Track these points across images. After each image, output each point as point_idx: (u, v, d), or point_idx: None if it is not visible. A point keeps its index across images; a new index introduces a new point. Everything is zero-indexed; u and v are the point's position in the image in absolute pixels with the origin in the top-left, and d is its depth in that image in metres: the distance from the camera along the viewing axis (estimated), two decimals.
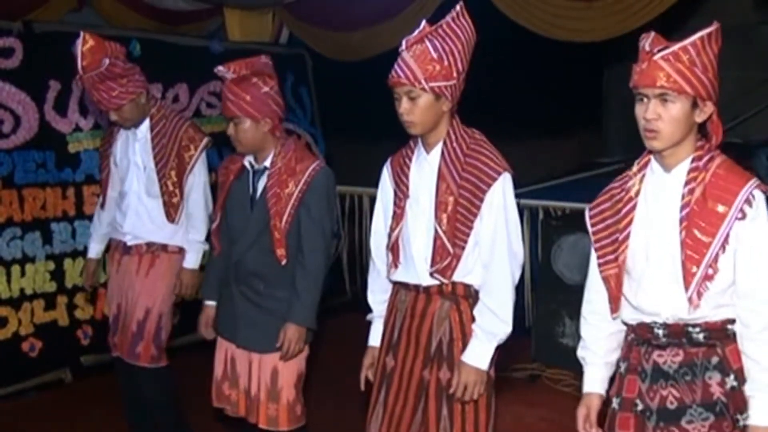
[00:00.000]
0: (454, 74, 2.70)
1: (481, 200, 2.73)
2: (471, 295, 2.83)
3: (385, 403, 2.91)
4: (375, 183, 3.06)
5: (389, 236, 2.92)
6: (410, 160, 2.89)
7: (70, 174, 5.17)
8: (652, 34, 2.32)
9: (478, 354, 2.77)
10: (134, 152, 3.91)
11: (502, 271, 2.76)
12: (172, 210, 3.88)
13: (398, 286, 2.95)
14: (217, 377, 3.44)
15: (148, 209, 3.90)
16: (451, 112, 2.79)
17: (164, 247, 3.94)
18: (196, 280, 3.96)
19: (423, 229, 2.82)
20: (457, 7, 2.72)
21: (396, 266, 2.90)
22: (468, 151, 2.77)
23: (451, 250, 2.76)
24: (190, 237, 3.92)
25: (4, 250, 4.84)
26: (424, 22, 2.74)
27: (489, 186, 2.72)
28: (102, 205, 4.08)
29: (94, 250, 4.18)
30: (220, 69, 3.24)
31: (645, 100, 2.29)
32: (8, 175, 4.86)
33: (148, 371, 3.93)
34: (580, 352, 2.60)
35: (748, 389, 2.30)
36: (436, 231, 2.77)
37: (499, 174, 2.73)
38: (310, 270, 3.24)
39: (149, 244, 3.94)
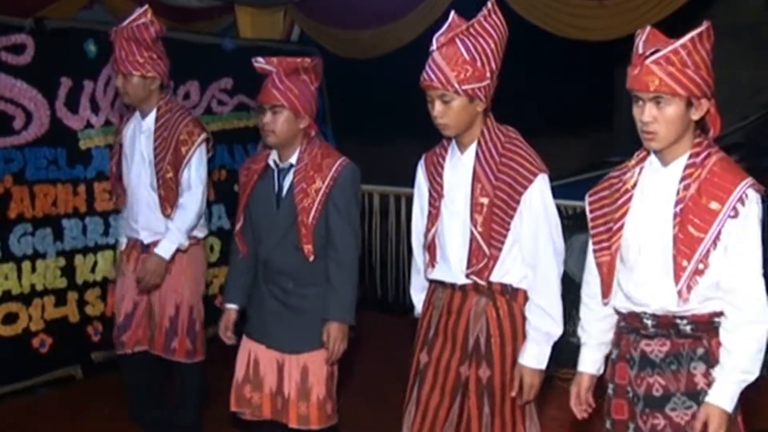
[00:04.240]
0: (488, 74, 2.67)
1: (518, 201, 2.72)
2: (508, 292, 2.84)
3: (418, 399, 2.93)
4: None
5: (425, 236, 2.92)
6: (444, 159, 2.88)
7: (81, 171, 5.17)
8: (647, 30, 2.35)
9: (536, 355, 2.82)
10: (140, 144, 3.92)
11: (549, 271, 2.81)
12: (167, 204, 3.84)
13: (435, 284, 2.95)
14: (238, 380, 3.38)
15: (156, 202, 3.89)
16: (485, 111, 2.76)
17: None
18: (162, 269, 3.87)
19: (458, 230, 2.81)
20: (489, 5, 2.68)
21: (433, 266, 2.91)
22: (503, 151, 2.75)
23: (487, 251, 2.75)
24: (173, 225, 3.85)
25: (15, 246, 4.84)
26: (453, 14, 2.70)
27: (525, 188, 2.72)
28: (124, 202, 4.06)
29: (126, 244, 4.13)
30: (259, 61, 3.22)
31: (641, 102, 2.33)
32: (19, 171, 4.85)
33: (184, 366, 3.93)
34: (578, 332, 2.70)
35: (714, 372, 2.36)
36: (471, 233, 2.76)
37: (535, 175, 2.73)
38: (346, 266, 3.23)
39: None
